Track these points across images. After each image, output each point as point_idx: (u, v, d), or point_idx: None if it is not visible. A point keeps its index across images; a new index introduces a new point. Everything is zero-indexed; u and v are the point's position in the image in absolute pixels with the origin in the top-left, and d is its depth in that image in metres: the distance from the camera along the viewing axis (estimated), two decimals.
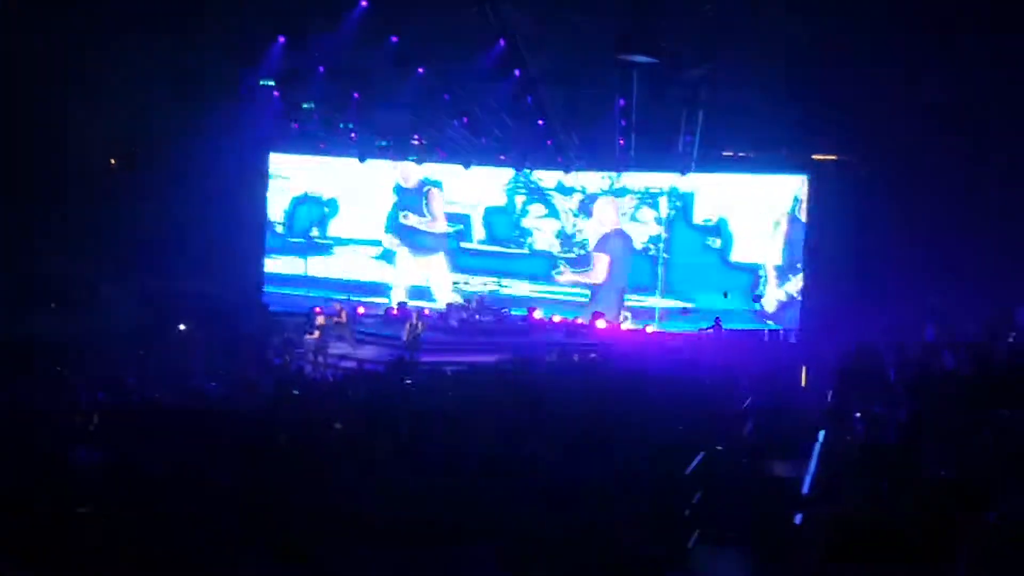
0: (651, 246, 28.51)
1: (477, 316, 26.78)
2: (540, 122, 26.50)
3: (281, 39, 23.19)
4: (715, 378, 16.93)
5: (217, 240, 25.87)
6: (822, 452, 10.10)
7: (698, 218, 28.07)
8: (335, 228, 30.67)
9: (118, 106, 23.02)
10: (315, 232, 30.69)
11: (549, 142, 27.73)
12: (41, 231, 22.28)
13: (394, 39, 22.95)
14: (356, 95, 26.13)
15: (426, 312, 27.49)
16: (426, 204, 30.25)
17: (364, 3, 21.59)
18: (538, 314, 28.32)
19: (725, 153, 27.15)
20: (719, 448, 10.72)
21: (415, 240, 30.29)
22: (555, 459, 9.81)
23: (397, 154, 29.31)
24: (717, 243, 27.60)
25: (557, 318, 28.42)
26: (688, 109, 25.40)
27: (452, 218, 30.26)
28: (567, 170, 29.11)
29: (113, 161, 25.59)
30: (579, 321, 27.99)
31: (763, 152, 26.49)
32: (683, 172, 27.60)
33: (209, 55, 23.11)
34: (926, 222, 22.35)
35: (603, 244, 29.31)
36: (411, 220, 30.33)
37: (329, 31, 22.49)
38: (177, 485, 8.40)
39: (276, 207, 30.47)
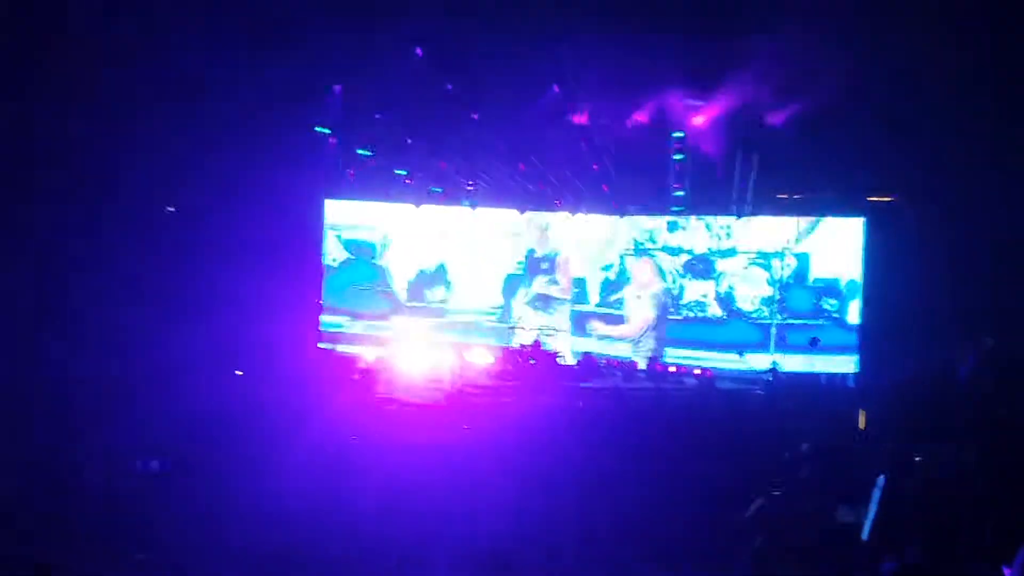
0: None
1: (532, 361, 26.69)
2: (594, 167, 26.60)
3: (337, 87, 23.51)
4: (774, 421, 16.79)
5: (273, 287, 26.08)
6: (883, 497, 9.96)
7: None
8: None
9: (171, 155, 23.34)
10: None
11: (605, 188, 27.80)
12: (98, 277, 22.55)
13: (449, 86, 23.21)
14: (410, 141, 26.34)
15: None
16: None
17: (419, 51, 21.88)
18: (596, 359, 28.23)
19: (780, 196, 27.06)
20: (777, 493, 10.63)
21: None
22: (611, 500, 9.78)
23: (450, 200, 29.37)
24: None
25: (615, 362, 28.31)
26: (743, 151, 25.41)
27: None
28: (621, 215, 29.06)
29: (171, 209, 25.95)
30: (636, 364, 27.87)
31: (818, 195, 26.35)
32: (739, 216, 27.49)
33: (266, 103, 23.42)
34: (982, 260, 22.10)
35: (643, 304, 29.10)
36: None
37: (384, 78, 22.77)
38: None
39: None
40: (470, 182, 28.67)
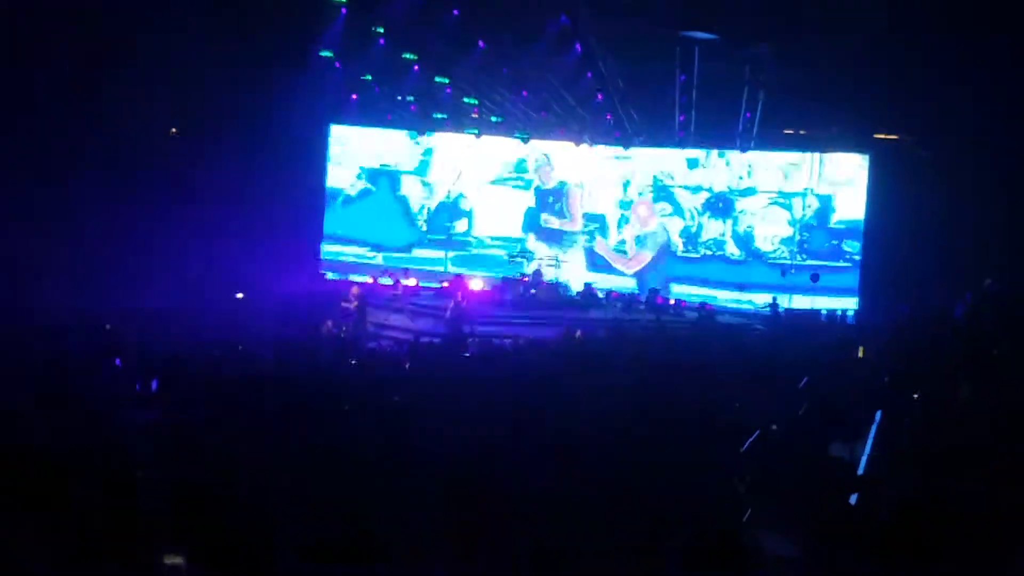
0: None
1: (532, 291, 26.76)
2: (599, 96, 26.49)
3: (344, 10, 23.32)
4: (772, 356, 16.83)
5: (276, 210, 26.11)
6: (879, 434, 10.03)
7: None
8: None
9: (176, 80, 23.20)
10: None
11: (608, 116, 27.71)
12: (97, 197, 22.51)
13: (456, 11, 23.02)
14: (416, 68, 26.18)
15: (475, 287, 27.65)
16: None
17: None
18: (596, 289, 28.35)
19: (786, 131, 26.97)
20: (774, 428, 10.69)
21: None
22: (609, 432, 9.81)
23: (455, 127, 29.26)
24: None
25: (615, 293, 28.41)
26: (749, 86, 25.28)
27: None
28: (626, 146, 28.98)
29: (174, 130, 25.88)
30: (637, 296, 27.95)
31: (823, 130, 26.26)
32: (743, 150, 27.41)
33: (268, 27, 23.25)
34: (986, 204, 22.08)
35: (643, 241, 29.27)
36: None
37: (390, 4, 22.60)
38: (236, 449, 8.47)
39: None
40: (475, 109, 28.58)
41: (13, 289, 19.36)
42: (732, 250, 28.16)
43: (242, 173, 25.08)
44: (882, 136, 25.73)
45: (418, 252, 29.99)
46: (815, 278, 25.70)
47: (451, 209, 30.11)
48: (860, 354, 17.96)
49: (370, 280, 27.38)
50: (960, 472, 6.97)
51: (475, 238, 30.13)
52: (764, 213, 27.81)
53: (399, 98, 28.10)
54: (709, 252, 28.48)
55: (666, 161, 28.90)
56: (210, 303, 21.58)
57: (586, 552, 7.15)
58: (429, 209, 30.30)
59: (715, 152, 28.13)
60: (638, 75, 26.18)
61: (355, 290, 22.88)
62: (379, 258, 29.55)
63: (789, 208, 27.55)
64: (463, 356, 17.49)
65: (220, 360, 15.38)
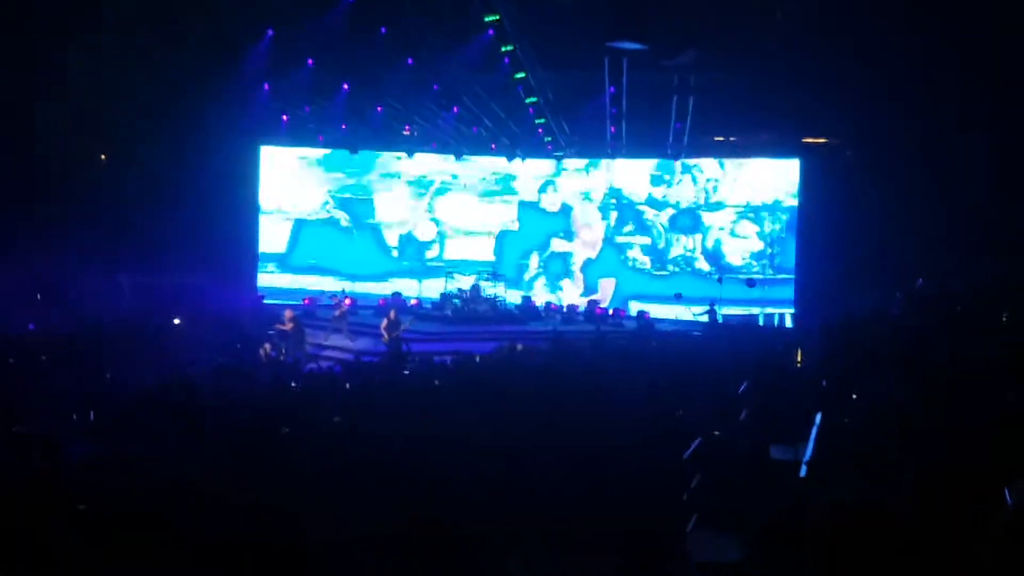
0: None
1: (472, 305, 26.74)
2: (530, 111, 26.56)
3: (270, 32, 23.20)
4: (712, 362, 16.94)
5: (209, 233, 25.89)
6: (819, 435, 10.10)
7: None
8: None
9: (105, 103, 22.96)
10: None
11: (540, 130, 27.78)
12: (26, 226, 22.24)
13: (383, 30, 22.97)
14: (346, 86, 26.10)
15: (413, 303, 27.67)
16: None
17: None
18: (536, 302, 28.41)
19: (717, 138, 27.18)
20: (716, 433, 10.74)
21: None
22: (552, 440, 9.81)
23: (387, 146, 29.22)
24: None
25: (553, 304, 28.51)
26: (678, 95, 25.46)
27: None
28: (558, 159, 29.10)
29: (103, 156, 25.59)
30: (575, 307, 28.04)
31: (754, 137, 26.50)
32: (675, 158, 27.59)
33: (198, 49, 23.08)
34: (914, 203, 22.38)
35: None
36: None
37: (318, 23, 22.50)
38: (173, 480, 8.37)
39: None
40: (406, 126, 28.55)
41: None
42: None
43: (173, 197, 24.86)
44: (810, 140, 26.00)
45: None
46: (751, 284, 25.90)
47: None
48: (799, 358, 18.14)
49: (305, 302, 27.20)
50: (898, 474, 7.02)
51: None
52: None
53: (329, 117, 27.97)
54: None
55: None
56: (146, 328, 21.30)
57: (533, 559, 7.17)
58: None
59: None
60: (568, 87, 26.27)
61: (288, 312, 22.75)
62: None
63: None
64: (403, 374, 17.42)
65: (158, 389, 15.21)
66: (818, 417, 10.49)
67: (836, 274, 23.55)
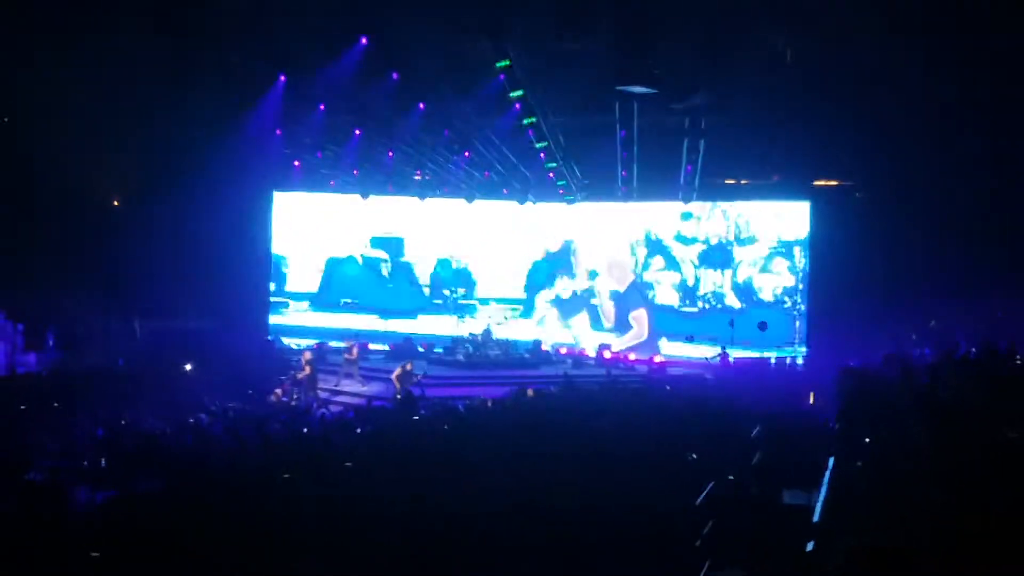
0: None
1: (483, 349, 26.71)
2: (541, 155, 26.66)
3: (282, 78, 23.35)
4: (723, 406, 16.86)
5: (220, 277, 25.90)
6: (832, 479, 10.02)
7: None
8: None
9: (122, 147, 23.06)
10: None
11: (551, 175, 27.87)
12: (42, 268, 22.29)
13: (395, 75, 23.12)
14: (358, 132, 26.23)
15: (421, 348, 27.63)
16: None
17: (364, 40, 21.78)
18: (546, 346, 28.37)
19: (727, 181, 27.21)
20: (730, 477, 10.66)
21: (569, 303, 30.15)
22: (564, 486, 9.76)
23: (399, 190, 29.32)
24: None
25: (563, 349, 28.46)
26: (689, 138, 25.54)
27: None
28: (570, 202, 29.16)
29: (116, 203, 25.70)
30: (585, 352, 28.03)
31: (764, 180, 26.50)
32: (685, 200, 27.60)
33: (210, 95, 23.20)
34: (926, 244, 22.35)
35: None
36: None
37: (330, 69, 22.65)
38: (181, 529, 8.34)
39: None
40: (417, 171, 28.67)
41: None
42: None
43: (184, 241, 24.90)
44: (822, 183, 26.01)
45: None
46: (763, 327, 25.80)
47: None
48: (811, 400, 18.04)
49: (315, 344, 27.18)
50: (912, 519, 6.97)
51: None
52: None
53: (342, 163, 28.09)
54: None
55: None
56: (157, 373, 21.30)
57: None
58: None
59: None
60: (578, 131, 26.39)
61: (307, 355, 22.81)
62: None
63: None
64: (413, 419, 17.36)
65: (170, 434, 15.22)
66: (831, 461, 10.44)
67: (847, 315, 23.44)
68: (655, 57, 21.89)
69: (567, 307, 30.06)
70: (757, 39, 22.26)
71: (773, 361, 25.39)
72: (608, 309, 29.39)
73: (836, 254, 24.83)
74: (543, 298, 30.14)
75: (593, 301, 29.78)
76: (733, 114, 23.89)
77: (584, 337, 29.33)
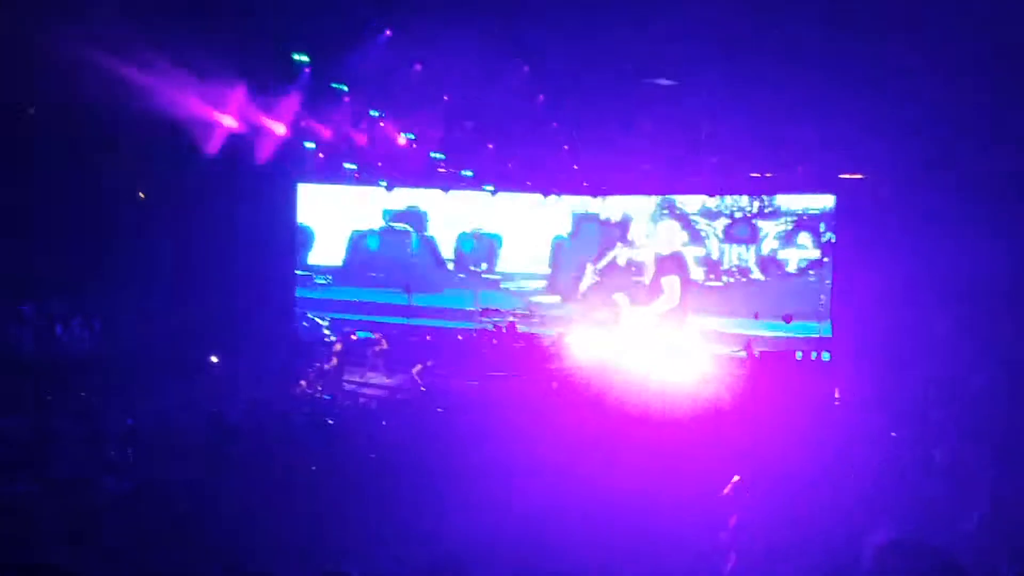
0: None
1: (507, 343, 26.69)
2: (565, 147, 26.55)
3: (306, 68, 23.31)
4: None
5: (248, 267, 25.90)
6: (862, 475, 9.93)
7: None
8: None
9: (146, 142, 23.06)
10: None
11: (575, 167, 27.75)
12: (71, 254, 22.32)
13: (418, 66, 23.06)
14: (382, 123, 26.16)
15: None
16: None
17: (388, 32, 21.74)
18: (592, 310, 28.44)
19: (752, 174, 27.04)
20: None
21: (613, 279, 29.97)
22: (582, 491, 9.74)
23: (422, 181, 29.25)
24: None
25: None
26: (712, 130, 25.38)
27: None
28: (594, 195, 29.06)
29: (142, 195, 25.69)
30: None
31: (789, 172, 26.30)
32: (710, 194, 27.47)
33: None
34: (953, 237, 22.11)
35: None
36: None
37: (354, 59, 22.59)
38: (206, 517, 8.37)
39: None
40: (440, 164, 28.58)
41: None
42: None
43: (211, 233, 24.90)
44: (847, 176, 25.80)
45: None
46: (788, 319, 25.60)
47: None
48: (836, 395, 17.97)
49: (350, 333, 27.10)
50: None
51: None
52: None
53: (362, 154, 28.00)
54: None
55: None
56: (181, 362, 21.36)
57: None
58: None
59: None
60: (601, 124, 26.25)
61: (338, 346, 22.98)
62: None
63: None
64: (437, 411, 17.42)
65: (195, 427, 15.25)
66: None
67: (873, 308, 23.24)
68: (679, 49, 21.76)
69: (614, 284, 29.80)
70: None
71: (799, 357, 25.10)
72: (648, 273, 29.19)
73: (861, 247, 24.57)
74: (589, 270, 30.00)
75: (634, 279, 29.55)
76: (756, 104, 23.67)
77: (627, 313, 28.95)
